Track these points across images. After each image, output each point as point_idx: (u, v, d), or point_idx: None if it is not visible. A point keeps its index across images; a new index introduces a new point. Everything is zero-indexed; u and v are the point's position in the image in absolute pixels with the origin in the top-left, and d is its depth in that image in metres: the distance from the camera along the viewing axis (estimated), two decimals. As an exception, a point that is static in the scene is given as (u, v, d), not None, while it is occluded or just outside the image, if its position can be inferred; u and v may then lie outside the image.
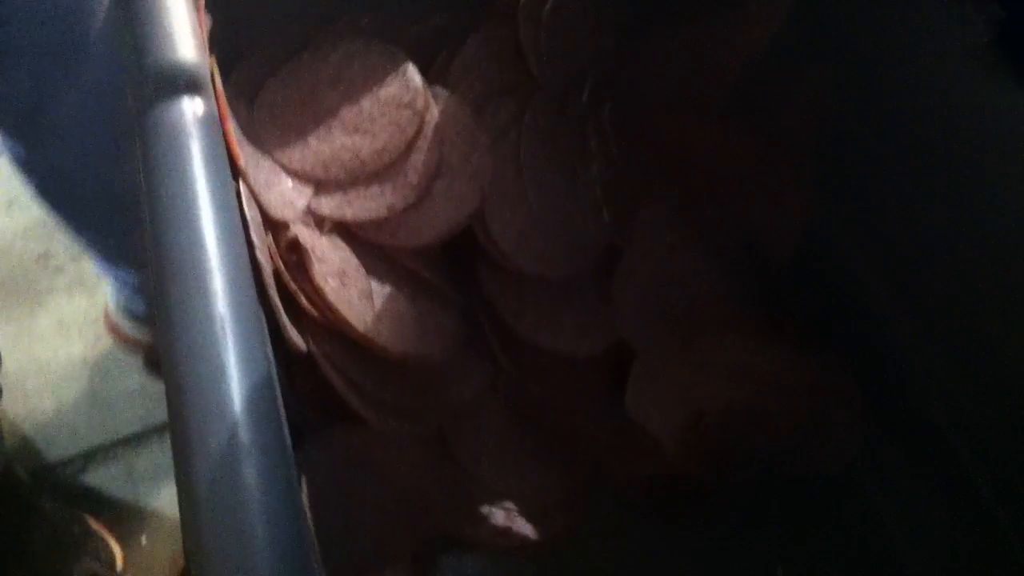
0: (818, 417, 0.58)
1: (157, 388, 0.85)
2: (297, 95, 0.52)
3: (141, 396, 0.88)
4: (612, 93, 0.57)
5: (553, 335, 0.55)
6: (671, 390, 0.55)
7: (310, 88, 0.52)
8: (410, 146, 0.51)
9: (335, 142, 0.51)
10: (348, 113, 0.51)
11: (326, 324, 0.48)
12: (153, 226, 0.35)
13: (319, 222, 0.50)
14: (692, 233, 0.59)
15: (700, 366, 0.55)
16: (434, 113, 0.52)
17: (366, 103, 0.52)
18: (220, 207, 0.35)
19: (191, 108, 0.38)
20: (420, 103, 0.51)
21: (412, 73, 0.52)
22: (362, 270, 0.50)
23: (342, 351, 0.49)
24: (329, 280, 0.48)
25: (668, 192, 0.59)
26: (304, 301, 0.47)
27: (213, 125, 0.38)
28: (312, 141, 0.51)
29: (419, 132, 0.51)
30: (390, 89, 0.52)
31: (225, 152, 0.38)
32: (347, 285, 0.48)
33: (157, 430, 0.86)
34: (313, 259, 0.47)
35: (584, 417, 0.57)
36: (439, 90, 0.53)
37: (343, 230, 0.51)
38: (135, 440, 0.87)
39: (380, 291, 0.50)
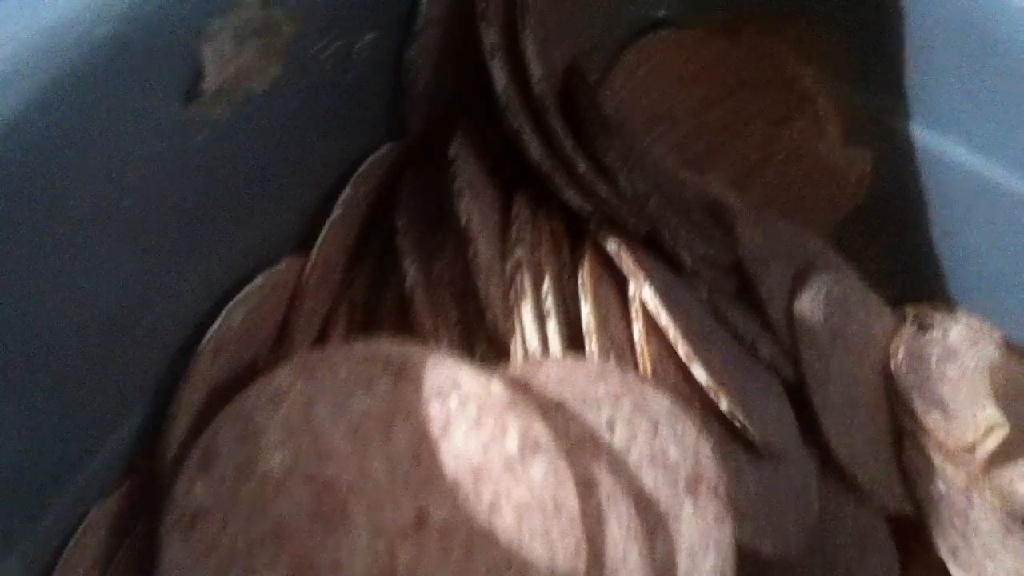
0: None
1: None
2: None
3: None
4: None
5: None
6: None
7: (280, 553, 0.21)
8: (593, 530, 0.22)
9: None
10: (423, 560, 0.21)
11: None
12: None
13: None
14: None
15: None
16: (567, 430, 0.23)
17: (437, 513, 0.21)
18: None
19: None
20: (539, 431, 0.22)
21: (478, 387, 0.22)
22: None
23: None
24: None
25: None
26: None
27: None
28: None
29: (586, 492, 0.22)
30: (460, 447, 0.22)
31: None
32: None
33: None
34: None
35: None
36: (518, 370, 0.24)
37: None
38: None
39: None
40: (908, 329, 0.38)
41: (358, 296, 0.27)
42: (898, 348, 0.37)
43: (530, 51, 0.26)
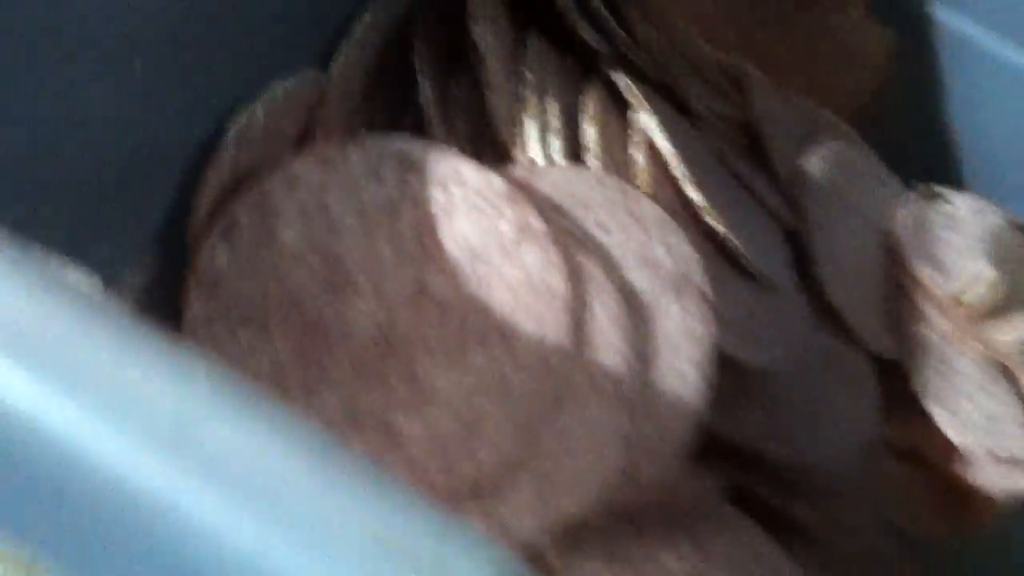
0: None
1: None
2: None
3: None
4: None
5: (845, 426, 0.32)
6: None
7: (293, 316, 0.23)
8: (577, 310, 0.24)
9: (449, 396, 0.23)
10: (422, 326, 0.23)
11: None
12: None
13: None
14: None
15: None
16: (560, 224, 0.25)
17: (438, 286, 0.24)
18: None
19: None
20: (534, 220, 0.24)
21: (479, 179, 0.24)
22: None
23: None
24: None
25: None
26: None
27: None
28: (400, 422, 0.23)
29: (574, 276, 0.24)
30: (460, 231, 0.24)
31: None
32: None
33: None
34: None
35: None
36: (520, 171, 0.26)
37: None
38: None
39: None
40: (916, 198, 0.39)
41: (378, 119, 0.28)
42: (903, 213, 0.38)
43: None
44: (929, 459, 0.36)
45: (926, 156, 0.43)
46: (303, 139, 0.27)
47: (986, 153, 0.42)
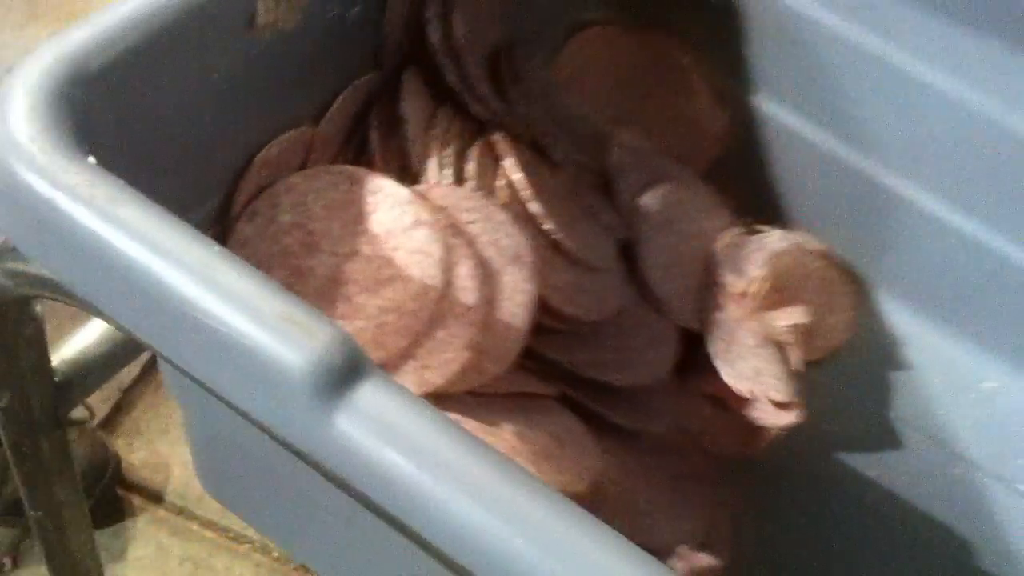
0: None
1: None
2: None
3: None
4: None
5: (646, 364, 0.49)
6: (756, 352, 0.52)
7: (284, 263, 0.41)
8: (447, 267, 0.42)
9: (368, 310, 0.41)
10: (355, 271, 0.41)
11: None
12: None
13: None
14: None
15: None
16: (442, 219, 0.43)
17: (366, 249, 0.41)
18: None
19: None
20: (424, 215, 0.42)
21: (394, 190, 0.42)
22: (492, 432, 0.41)
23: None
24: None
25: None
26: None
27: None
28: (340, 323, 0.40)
29: (446, 248, 0.42)
30: (380, 219, 0.42)
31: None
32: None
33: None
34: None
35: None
36: (421, 188, 0.44)
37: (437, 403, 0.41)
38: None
39: (522, 437, 0.42)
40: (736, 229, 0.56)
41: (348, 157, 0.47)
42: (724, 239, 0.55)
43: (456, 18, 0.46)
44: (726, 401, 0.53)
45: (768, 200, 0.60)
46: (301, 167, 0.45)
47: (801, 199, 0.59)
